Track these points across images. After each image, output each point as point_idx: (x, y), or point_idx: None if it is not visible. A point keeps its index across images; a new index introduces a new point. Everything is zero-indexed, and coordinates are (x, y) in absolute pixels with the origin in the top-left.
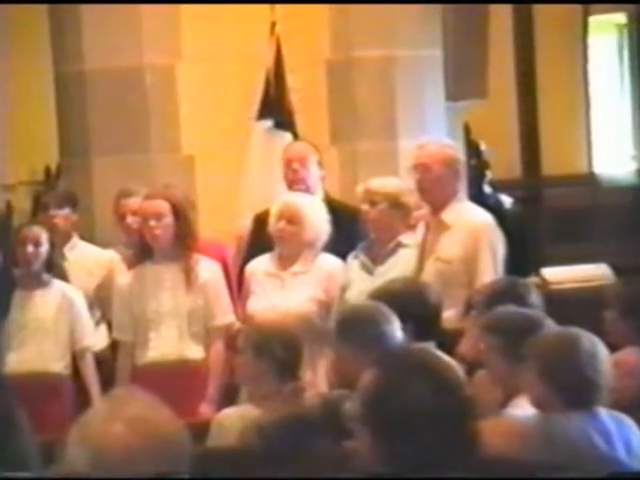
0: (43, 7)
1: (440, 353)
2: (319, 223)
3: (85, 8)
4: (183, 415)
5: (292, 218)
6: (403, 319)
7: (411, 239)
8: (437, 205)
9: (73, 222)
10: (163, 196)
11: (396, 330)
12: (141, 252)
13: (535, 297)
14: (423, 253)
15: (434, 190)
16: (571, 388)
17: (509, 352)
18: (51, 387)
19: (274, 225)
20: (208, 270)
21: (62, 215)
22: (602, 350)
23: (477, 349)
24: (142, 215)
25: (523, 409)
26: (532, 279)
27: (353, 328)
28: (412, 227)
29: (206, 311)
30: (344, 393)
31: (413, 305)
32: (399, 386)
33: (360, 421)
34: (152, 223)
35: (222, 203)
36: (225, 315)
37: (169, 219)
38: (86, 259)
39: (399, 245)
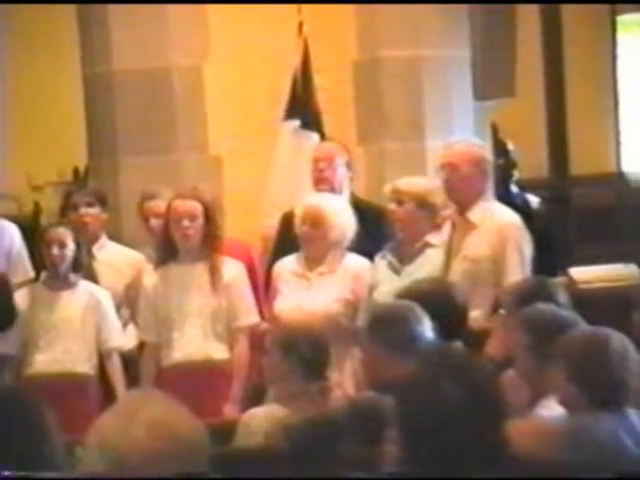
0: (71, 8)
1: (472, 353)
2: (343, 223)
3: (113, 9)
4: (207, 415)
5: (315, 220)
6: (430, 319)
7: (438, 239)
8: (464, 205)
9: (102, 221)
10: (195, 197)
11: (427, 330)
12: (165, 252)
13: (563, 297)
14: (450, 253)
15: (461, 190)
16: (600, 388)
17: (538, 351)
18: (78, 388)
19: (299, 227)
20: (233, 271)
21: (92, 214)
22: (632, 350)
23: (505, 349)
24: (174, 215)
25: (551, 409)
26: (560, 279)
27: (384, 328)
28: (439, 227)
29: (230, 311)
30: (371, 394)
31: (440, 305)
32: (431, 386)
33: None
34: (185, 223)
35: (249, 203)
36: (249, 316)
37: (201, 220)
38: (115, 259)
39: (426, 245)
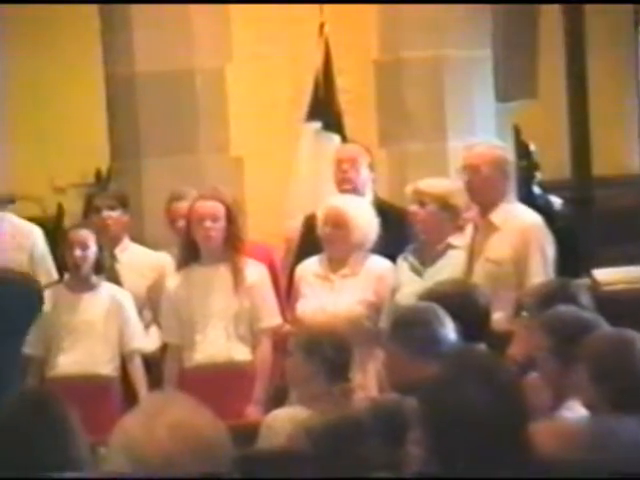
0: (94, 8)
1: (494, 356)
2: (365, 225)
3: (136, 10)
4: (230, 417)
5: (338, 222)
6: (452, 321)
7: (460, 240)
8: (486, 206)
9: (124, 223)
10: (217, 198)
11: (450, 332)
12: (188, 254)
13: (586, 298)
14: (472, 255)
15: (483, 191)
16: (624, 390)
17: (560, 353)
18: (100, 389)
19: (321, 229)
20: (255, 273)
21: (114, 217)
22: None
23: (527, 351)
24: (196, 216)
25: (574, 411)
26: (583, 280)
27: (407, 330)
28: (461, 228)
29: (253, 313)
30: (394, 396)
31: (462, 307)
32: (455, 388)
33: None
34: (208, 224)
35: (271, 204)
36: (272, 317)
37: (223, 221)
38: (137, 261)
39: (448, 247)
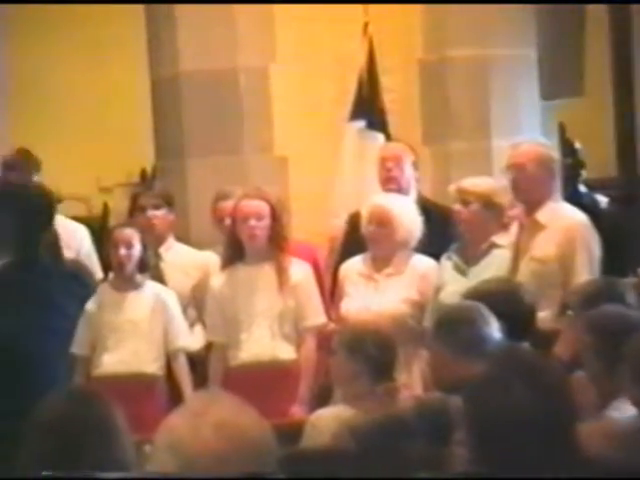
0: (139, 9)
1: (541, 355)
2: (410, 223)
3: (180, 10)
4: (274, 416)
5: (382, 220)
6: (497, 319)
7: (505, 239)
8: (532, 205)
9: (169, 222)
10: (262, 197)
11: (494, 331)
12: (233, 253)
13: (633, 297)
14: (517, 253)
15: (529, 190)
16: None
17: (605, 353)
18: (146, 388)
19: (365, 228)
20: (300, 272)
21: (159, 216)
22: None
23: (573, 350)
24: (241, 215)
25: (622, 411)
26: (629, 279)
27: (451, 329)
28: (505, 227)
29: (297, 312)
30: (439, 395)
31: (507, 305)
32: (501, 387)
33: (463, 419)
34: (252, 223)
35: (315, 204)
36: (317, 316)
37: (267, 220)
38: (182, 260)
39: (493, 246)
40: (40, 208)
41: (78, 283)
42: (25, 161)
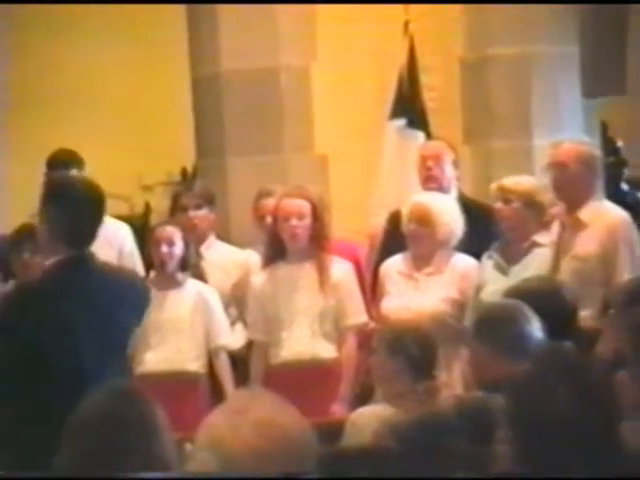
0: (180, 8)
1: (583, 354)
2: (451, 222)
3: (222, 9)
4: (315, 414)
5: (423, 219)
6: (539, 318)
7: (546, 238)
8: (574, 203)
9: (211, 221)
10: (303, 195)
11: (536, 330)
12: (273, 252)
13: None
14: (559, 252)
15: (571, 189)
16: None
17: None
18: (188, 386)
19: (406, 226)
20: (341, 270)
21: (201, 216)
22: None
23: (615, 349)
24: (282, 214)
25: None
26: None
27: (491, 328)
28: (546, 225)
29: (338, 311)
30: (480, 394)
31: (549, 304)
32: (544, 386)
33: (505, 419)
34: (294, 222)
35: (355, 202)
36: (358, 315)
37: (309, 219)
38: (223, 258)
39: (534, 244)
40: (93, 202)
41: (134, 291)
42: (70, 159)
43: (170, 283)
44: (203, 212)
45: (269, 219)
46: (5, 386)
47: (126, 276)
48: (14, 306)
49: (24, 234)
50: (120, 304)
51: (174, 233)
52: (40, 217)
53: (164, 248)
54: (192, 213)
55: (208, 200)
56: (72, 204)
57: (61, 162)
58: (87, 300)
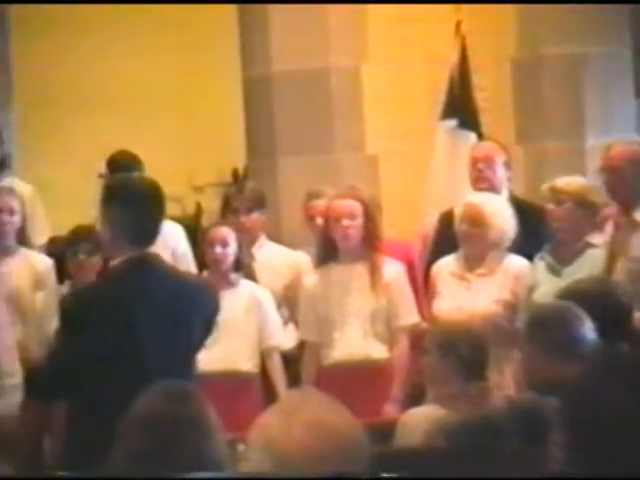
0: (232, 9)
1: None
2: (503, 223)
3: (273, 10)
4: (367, 415)
5: (475, 220)
6: (592, 319)
7: (599, 239)
8: (628, 205)
9: (262, 223)
10: (354, 196)
11: (589, 331)
12: (325, 252)
13: None
14: (613, 253)
15: (624, 191)
16: None
17: None
18: (242, 386)
19: (458, 227)
20: (393, 271)
21: (252, 218)
22: None
23: None
24: (334, 215)
25: None
26: None
27: (544, 329)
28: (599, 226)
29: (390, 312)
30: (532, 395)
31: (602, 305)
32: (601, 388)
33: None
34: (345, 223)
35: (406, 202)
36: (410, 316)
37: (360, 219)
38: (274, 259)
39: (587, 245)
40: (155, 201)
41: (204, 297)
42: (130, 162)
43: (224, 283)
44: (254, 215)
45: (319, 220)
46: (72, 385)
47: (195, 281)
48: (79, 306)
49: (79, 235)
50: (185, 306)
51: (228, 234)
52: (102, 218)
53: (218, 249)
54: (244, 217)
55: (259, 202)
56: (134, 204)
57: (122, 164)
58: (150, 300)
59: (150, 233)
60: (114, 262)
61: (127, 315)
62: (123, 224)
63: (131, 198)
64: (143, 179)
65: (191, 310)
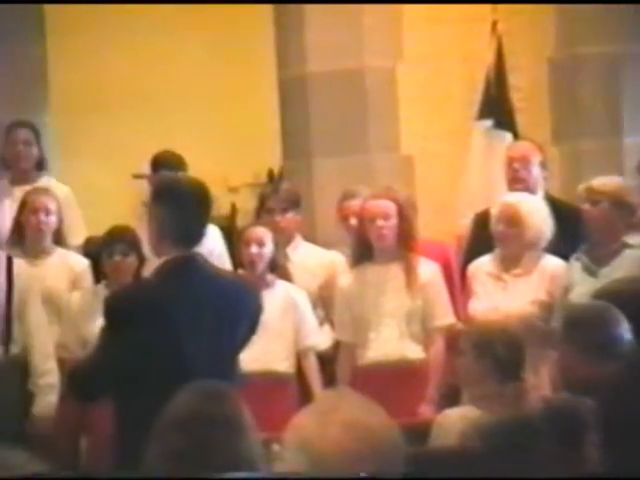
0: (268, 9)
1: None
2: (539, 224)
3: (308, 10)
4: (403, 415)
5: (512, 220)
6: (627, 320)
7: (636, 239)
8: None
9: (297, 223)
10: (389, 197)
11: (625, 332)
12: (360, 252)
13: None
14: None
15: None
16: None
17: None
18: (278, 386)
19: (494, 227)
20: (428, 271)
21: (287, 218)
22: None
23: None
24: (368, 215)
25: None
26: None
27: (580, 329)
28: (636, 226)
29: (426, 312)
30: (568, 396)
31: (638, 305)
32: (634, 389)
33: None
34: (380, 223)
35: (442, 203)
36: (445, 316)
37: (395, 220)
38: (309, 259)
39: (624, 246)
40: (201, 201)
41: (248, 298)
42: (175, 162)
43: (260, 283)
44: (289, 215)
45: (353, 220)
46: (115, 385)
47: (239, 282)
48: (124, 305)
49: (115, 236)
50: (230, 306)
51: (265, 234)
52: (148, 217)
53: (254, 249)
54: (279, 217)
55: (294, 203)
56: (181, 203)
57: (167, 164)
58: (195, 300)
59: (196, 234)
60: (159, 261)
61: (172, 315)
62: (170, 224)
63: (179, 198)
64: (191, 180)
65: (235, 310)
